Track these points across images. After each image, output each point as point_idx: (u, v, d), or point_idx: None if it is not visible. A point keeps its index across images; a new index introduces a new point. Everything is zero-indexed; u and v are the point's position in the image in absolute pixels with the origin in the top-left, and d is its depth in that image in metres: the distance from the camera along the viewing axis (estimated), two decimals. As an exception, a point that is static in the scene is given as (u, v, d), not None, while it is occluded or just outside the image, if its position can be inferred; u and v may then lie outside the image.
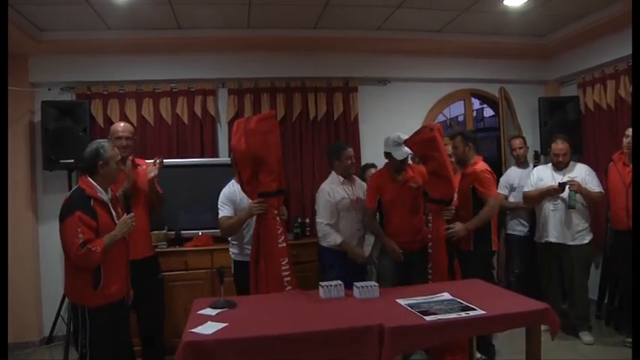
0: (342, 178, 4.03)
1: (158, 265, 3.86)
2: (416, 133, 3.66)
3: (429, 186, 3.75)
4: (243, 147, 3.36)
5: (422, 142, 3.59)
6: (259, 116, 3.59)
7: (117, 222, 2.94)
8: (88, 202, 2.82)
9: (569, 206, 4.25)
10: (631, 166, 4.08)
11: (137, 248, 3.46)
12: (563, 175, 4.39)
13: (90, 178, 2.90)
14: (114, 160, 2.95)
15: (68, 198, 2.88)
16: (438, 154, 3.52)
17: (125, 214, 3.01)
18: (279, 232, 3.44)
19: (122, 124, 3.77)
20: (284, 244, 3.44)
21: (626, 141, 4.11)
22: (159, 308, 3.77)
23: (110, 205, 2.96)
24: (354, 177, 4.21)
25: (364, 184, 4.21)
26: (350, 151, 4.08)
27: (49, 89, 4.98)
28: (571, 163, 4.49)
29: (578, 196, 4.26)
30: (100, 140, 3.03)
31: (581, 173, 4.38)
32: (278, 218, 3.45)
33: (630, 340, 4.11)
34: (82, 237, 2.70)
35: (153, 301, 3.66)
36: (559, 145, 4.44)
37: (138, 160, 3.82)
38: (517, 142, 5.05)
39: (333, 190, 3.97)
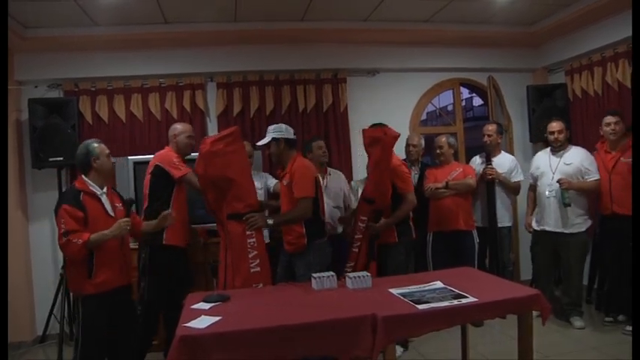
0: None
1: (189, 257, 4.02)
2: (372, 126, 3.90)
3: (368, 184, 3.90)
4: (201, 172, 3.29)
5: (371, 137, 3.78)
6: (216, 136, 3.37)
7: (111, 214, 3.13)
8: (78, 195, 3.03)
9: (564, 204, 4.23)
10: (613, 153, 4.21)
11: (185, 237, 3.81)
12: (560, 158, 4.40)
13: (84, 177, 3.14)
14: (103, 154, 3.19)
15: (60, 195, 3.11)
16: (378, 154, 3.70)
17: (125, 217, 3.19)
18: (252, 255, 3.27)
19: (189, 125, 4.10)
20: (258, 269, 3.26)
21: (606, 129, 4.21)
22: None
23: (103, 198, 3.14)
24: (331, 169, 4.48)
25: (341, 175, 4.55)
26: (320, 142, 4.37)
27: (36, 86, 4.93)
28: (569, 146, 4.48)
29: (571, 191, 4.25)
30: (87, 140, 3.28)
31: (577, 159, 4.34)
32: (253, 240, 3.28)
33: (609, 319, 4.29)
34: (64, 227, 2.90)
35: (184, 290, 3.65)
36: (552, 123, 4.47)
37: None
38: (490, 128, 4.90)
39: None
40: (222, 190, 3.31)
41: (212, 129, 5.24)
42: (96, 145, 3.19)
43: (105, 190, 3.18)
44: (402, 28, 5.37)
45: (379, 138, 3.71)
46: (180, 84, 5.16)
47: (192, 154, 3.89)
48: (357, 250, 3.80)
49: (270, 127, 3.63)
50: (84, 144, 3.22)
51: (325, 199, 4.08)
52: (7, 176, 3.85)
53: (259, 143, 3.66)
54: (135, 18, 4.73)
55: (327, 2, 4.73)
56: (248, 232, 3.28)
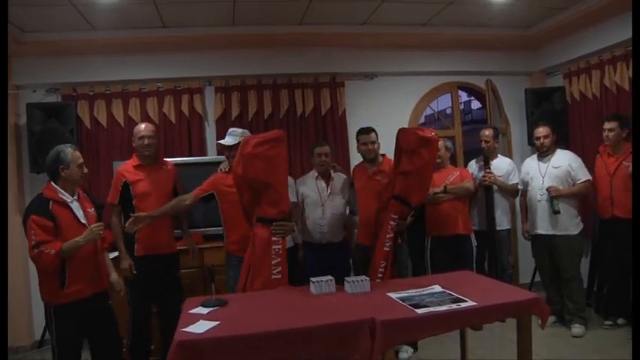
0: (316, 174, 4.17)
1: (177, 263, 3.94)
2: (420, 128, 3.85)
3: (406, 184, 3.65)
4: (240, 172, 3.17)
5: (422, 139, 3.56)
6: (259, 138, 3.15)
7: (83, 221, 3.00)
8: (47, 204, 2.89)
9: (554, 212, 4.26)
10: (615, 156, 4.20)
11: (160, 245, 3.69)
12: (548, 163, 4.42)
13: (53, 183, 2.99)
14: (75, 163, 3.00)
15: (28, 204, 2.98)
16: (428, 156, 3.56)
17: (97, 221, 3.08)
18: (276, 262, 3.15)
19: (144, 125, 3.92)
20: (279, 276, 3.14)
21: (604, 134, 4.21)
22: (177, 304, 3.76)
23: (74, 206, 3.01)
24: (336, 174, 4.25)
25: (344, 178, 4.31)
26: (321, 149, 4.15)
27: (34, 91, 4.92)
28: (556, 150, 4.50)
29: (561, 198, 4.27)
30: (62, 145, 3.07)
31: (564, 162, 4.37)
32: (278, 247, 3.15)
33: (608, 322, 4.30)
34: (34, 239, 2.80)
35: (171, 296, 3.71)
36: (539, 129, 4.49)
37: (164, 160, 4.02)
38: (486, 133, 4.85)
39: (300, 182, 4.21)
40: (256, 193, 3.21)
41: (210, 133, 5.25)
42: (69, 151, 3.00)
43: (76, 196, 3.05)
44: (400, 31, 5.39)
45: (430, 139, 3.56)
46: (179, 88, 5.16)
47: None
48: (388, 249, 3.63)
49: (239, 130, 3.57)
50: (56, 149, 3.02)
51: (328, 205, 4.06)
52: (7, 181, 3.82)
53: (229, 143, 3.51)
54: (133, 22, 4.74)
55: (325, 6, 4.74)
56: (274, 239, 3.18)
